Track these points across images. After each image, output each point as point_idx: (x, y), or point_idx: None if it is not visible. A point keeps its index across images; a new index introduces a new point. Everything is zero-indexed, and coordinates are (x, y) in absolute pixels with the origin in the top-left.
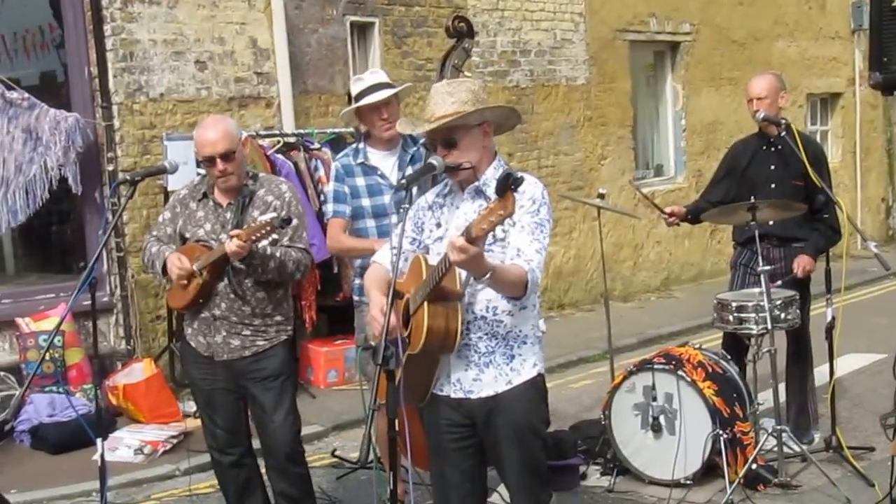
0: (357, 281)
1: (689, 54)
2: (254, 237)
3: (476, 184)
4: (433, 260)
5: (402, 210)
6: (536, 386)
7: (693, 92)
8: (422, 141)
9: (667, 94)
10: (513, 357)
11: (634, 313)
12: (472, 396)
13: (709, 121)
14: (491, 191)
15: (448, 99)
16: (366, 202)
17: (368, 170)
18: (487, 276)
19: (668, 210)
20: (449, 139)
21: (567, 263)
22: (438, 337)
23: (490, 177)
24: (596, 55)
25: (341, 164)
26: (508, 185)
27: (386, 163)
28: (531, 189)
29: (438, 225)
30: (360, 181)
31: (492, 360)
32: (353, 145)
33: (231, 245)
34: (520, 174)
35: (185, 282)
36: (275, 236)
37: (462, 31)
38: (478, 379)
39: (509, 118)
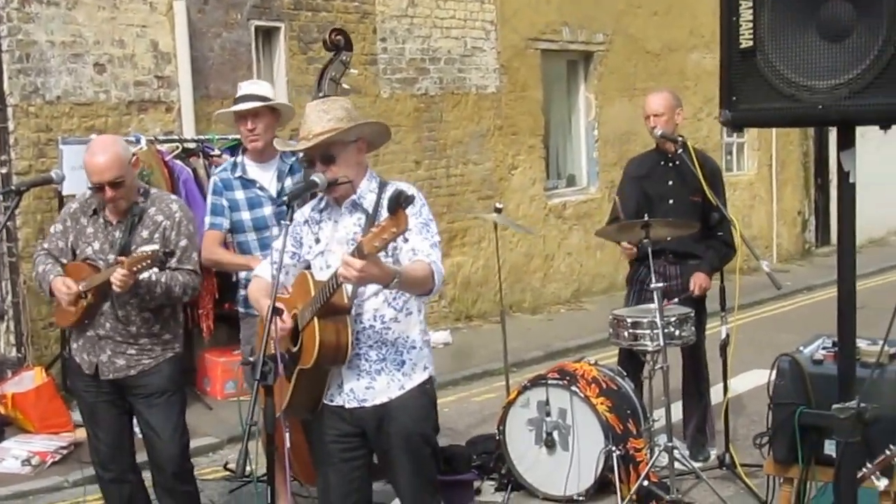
0: (242, 292)
1: (603, 64)
2: (135, 268)
3: (353, 198)
4: (319, 276)
5: (282, 225)
6: (427, 392)
7: (606, 102)
8: (298, 157)
9: (580, 103)
10: (403, 363)
11: (543, 326)
12: (367, 405)
13: (622, 131)
14: (367, 203)
15: (324, 116)
16: (246, 215)
17: (247, 183)
18: (395, 280)
19: (627, 252)
20: (327, 155)
21: (476, 274)
22: (330, 350)
23: (365, 189)
24: (507, 64)
25: (220, 179)
26: (400, 203)
27: (264, 175)
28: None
29: (318, 240)
30: (240, 194)
31: (383, 367)
32: (232, 159)
33: (115, 276)
34: (396, 185)
35: (73, 305)
36: (155, 269)
37: (339, 45)
38: (371, 387)
39: (381, 135)
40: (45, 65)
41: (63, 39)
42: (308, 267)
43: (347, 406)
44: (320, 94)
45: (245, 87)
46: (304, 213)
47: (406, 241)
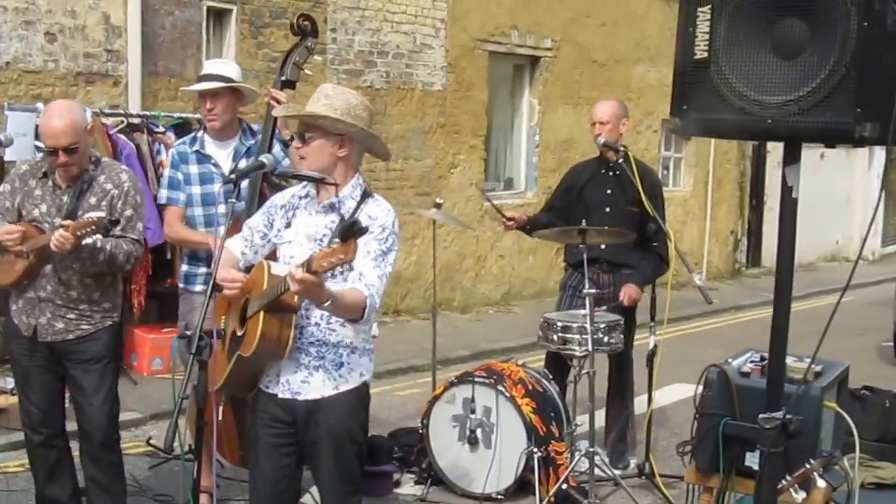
0: (184, 268)
1: (549, 70)
2: (79, 232)
3: (332, 200)
4: (276, 268)
5: (229, 203)
6: (360, 394)
7: (550, 108)
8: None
9: (523, 108)
10: (342, 364)
11: (471, 325)
12: (300, 398)
13: (563, 138)
14: (345, 209)
15: (322, 100)
16: (196, 190)
17: (202, 158)
18: (327, 303)
19: (509, 214)
20: (301, 133)
21: (407, 269)
22: (270, 344)
23: (347, 194)
24: (454, 62)
25: (177, 151)
26: (353, 232)
27: (221, 152)
28: (383, 217)
29: (289, 226)
30: (194, 168)
31: (321, 365)
32: (193, 133)
33: (55, 236)
34: (375, 203)
35: (21, 247)
36: (99, 236)
37: (306, 30)
38: (306, 381)
39: (376, 148)
40: None
41: (16, 5)
42: (275, 252)
43: (281, 396)
44: (282, 78)
45: (209, 66)
46: (285, 196)
47: (352, 268)
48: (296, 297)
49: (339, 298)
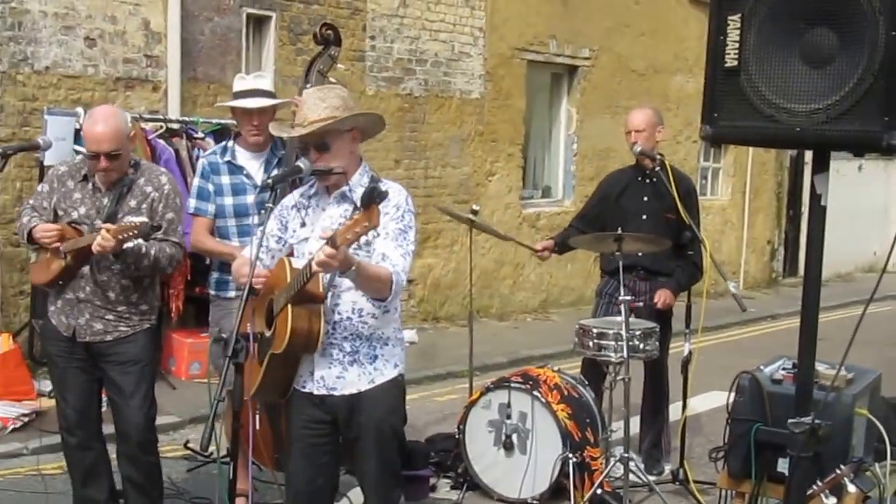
0: (215, 275)
1: (587, 80)
2: (121, 236)
3: (343, 189)
4: (297, 263)
5: (265, 209)
6: (397, 386)
7: (587, 117)
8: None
9: (561, 116)
10: (375, 357)
11: (509, 333)
12: (336, 393)
13: (601, 147)
14: (356, 196)
15: (321, 104)
16: (228, 201)
17: (235, 168)
18: (353, 267)
19: (538, 247)
20: (321, 143)
21: (446, 276)
22: (301, 337)
23: (356, 183)
24: (493, 71)
25: (208, 162)
26: (374, 198)
27: (252, 164)
28: (395, 196)
29: (303, 225)
30: (226, 179)
31: (356, 360)
32: (223, 143)
33: (97, 240)
34: (384, 186)
35: (58, 244)
36: (139, 241)
37: (329, 39)
38: (341, 377)
39: (376, 125)
40: (37, 34)
41: (56, 10)
42: (292, 253)
43: (317, 393)
44: (307, 86)
45: (251, 81)
46: (293, 196)
47: (377, 235)
48: (320, 286)
49: (365, 267)
